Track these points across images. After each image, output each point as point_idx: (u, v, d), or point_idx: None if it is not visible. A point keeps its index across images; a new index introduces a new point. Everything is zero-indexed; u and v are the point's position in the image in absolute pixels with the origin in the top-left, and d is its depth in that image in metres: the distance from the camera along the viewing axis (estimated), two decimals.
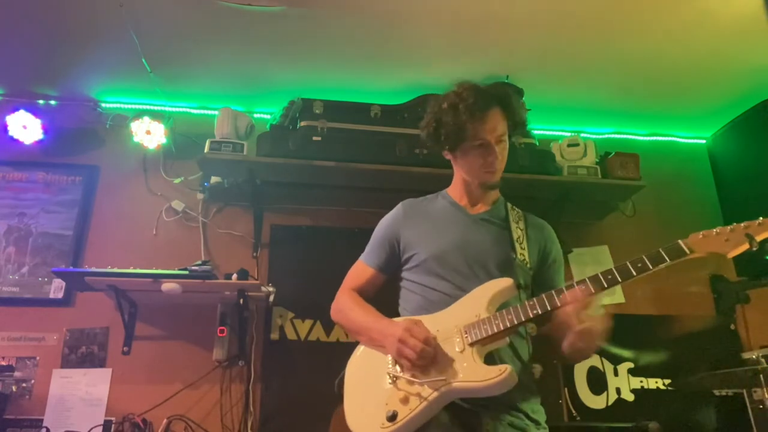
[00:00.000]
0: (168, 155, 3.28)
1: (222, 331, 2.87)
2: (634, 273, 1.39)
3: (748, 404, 2.99)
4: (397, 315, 1.69)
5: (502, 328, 1.45)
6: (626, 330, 3.26)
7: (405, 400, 1.44)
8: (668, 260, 1.37)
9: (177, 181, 3.26)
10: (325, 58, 3.01)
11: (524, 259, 1.63)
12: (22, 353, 2.86)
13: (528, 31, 2.83)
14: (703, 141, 3.84)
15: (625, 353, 3.21)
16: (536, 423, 1.53)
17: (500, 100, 1.65)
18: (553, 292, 1.46)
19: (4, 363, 2.83)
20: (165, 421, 2.72)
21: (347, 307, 1.72)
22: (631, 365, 3.21)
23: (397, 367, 1.50)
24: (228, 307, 2.92)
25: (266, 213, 3.21)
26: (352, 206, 3.28)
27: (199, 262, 2.74)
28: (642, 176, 3.14)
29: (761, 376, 2.51)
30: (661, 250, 1.37)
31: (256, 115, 3.36)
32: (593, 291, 1.43)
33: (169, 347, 2.93)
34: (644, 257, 1.37)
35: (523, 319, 1.45)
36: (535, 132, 3.26)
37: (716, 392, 3.13)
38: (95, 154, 3.29)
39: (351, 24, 2.76)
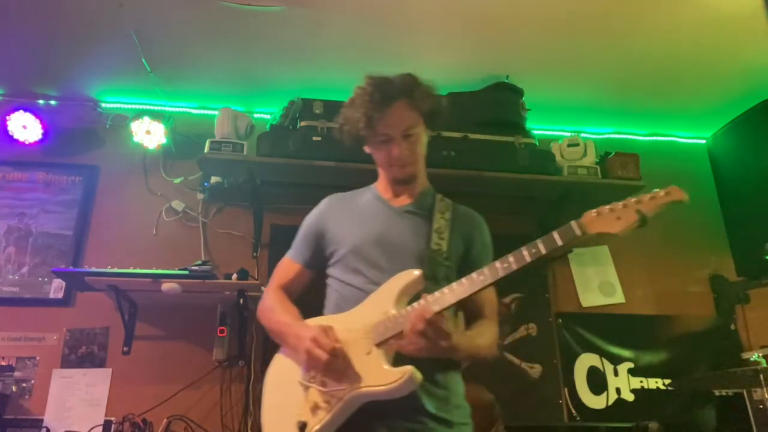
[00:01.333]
0: (168, 155, 3.28)
1: (222, 331, 2.87)
2: (528, 258, 1.30)
3: (748, 404, 2.99)
4: (321, 314, 1.64)
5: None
6: (626, 330, 3.27)
7: (314, 410, 1.41)
8: (560, 242, 1.27)
9: (177, 181, 3.26)
10: (325, 58, 3.01)
11: (439, 249, 1.54)
12: (22, 353, 2.86)
13: (528, 31, 2.83)
14: (703, 141, 3.84)
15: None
16: (447, 423, 1.45)
17: (405, 92, 1.58)
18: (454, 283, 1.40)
19: (4, 363, 2.83)
20: (165, 421, 2.72)
21: (270, 307, 1.66)
22: (631, 365, 3.21)
23: (310, 374, 1.46)
24: (228, 307, 2.92)
25: (266, 213, 3.21)
26: None
27: (199, 262, 2.74)
28: (642, 176, 3.15)
29: (761, 376, 2.51)
30: (554, 233, 1.29)
31: (256, 115, 3.35)
32: (490, 280, 1.35)
33: (169, 347, 2.93)
34: (538, 241, 1.30)
35: None
36: (535, 132, 3.26)
37: (716, 392, 3.13)
38: (95, 154, 3.29)
39: (351, 24, 2.76)
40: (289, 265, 1.72)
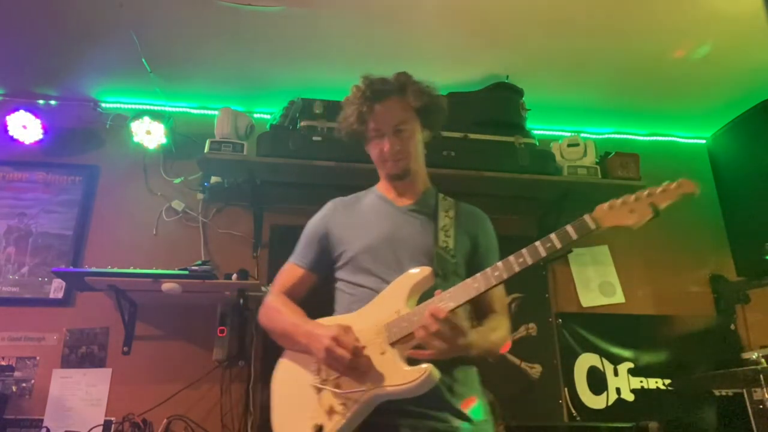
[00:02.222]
0: (168, 155, 3.28)
1: (222, 331, 2.87)
2: (543, 253, 1.30)
3: (748, 404, 2.99)
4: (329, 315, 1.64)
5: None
6: (626, 330, 3.27)
7: (330, 412, 1.40)
8: (575, 236, 1.28)
9: (177, 181, 3.26)
10: (325, 58, 3.01)
11: (447, 247, 1.56)
12: (22, 353, 2.86)
13: (528, 31, 2.83)
14: (703, 141, 3.84)
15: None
16: (468, 419, 1.45)
17: (398, 89, 1.62)
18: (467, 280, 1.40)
19: (4, 363, 2.83)
20: (165, 421, 2.72)
21: (274, 309, 1.64)
22: (631, 365, 3.21)
23: (323, 375, 1.46)
24: (228, 307, 2.92)
25: (266, 213, 3.21)
26: None
27: (199, 262, 2.74)
28: (642, 176, 3.15)
29: (761, 376, 2.51)
30: (568, 227, 1.29)
31: (256, 115, 3.35)
32: (505, 277, 1.35)
33: (169, 347, 2.93)
34: (552, 236, 1.30)
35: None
36: (535, 132, 3.26)
37: (716, 392, 3.13)
38: (95, 154, 3.29)
39: (351, 24, 2.76)
40: (292, 270, 1.72)
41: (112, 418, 2.74)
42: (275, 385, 1.59)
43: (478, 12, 2.68)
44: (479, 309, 1.61)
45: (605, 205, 1.28)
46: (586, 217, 1.29)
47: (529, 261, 1.33)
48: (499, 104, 3.12)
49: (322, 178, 3.00)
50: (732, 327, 3.36)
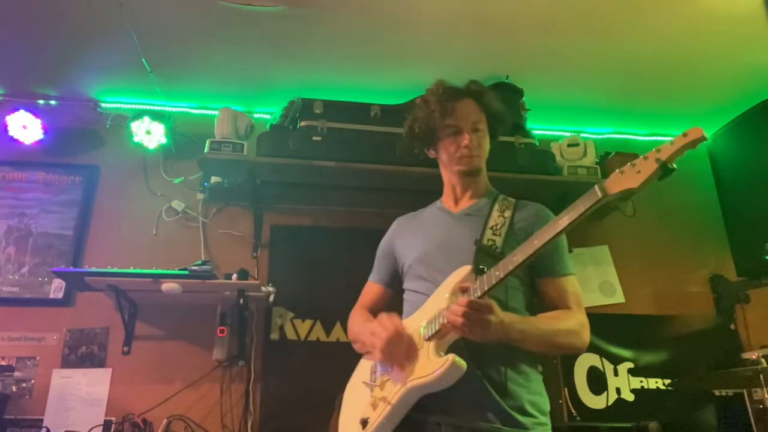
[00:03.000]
0: (168, 155, 3.28)
1: (222, 331, 2.87)
2: (560, 227, 1.27)
3: (748, 404, 2.99)
4: None
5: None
6: (626, 330, 3.26)
7: (374, 406, 1.49)
8: (583, 209, 1.22)
9: (177, 181, 3.26)
10: (325, 58, 3.01)
11: (493, 245, 1.55)
12: (22, 353, 2.86)
13: (528, 31, 2.83)
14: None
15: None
16: (519, 424, 1.41)
17: (473, 93, 1.71)
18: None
19: (4, 363, 2.83)
20: (165, 421, 2.72)
21: (353, 322, 1.80)
22: (631, 365, 3.21)
23: (376, 374, 1.56)
24: (228, 307, 2.92)
25: (266, 213, 3.21)
26: (352, 206, 3.28)
27: (199, 262, 2.74)
28: None
29: (761, 376, 2.51)
30: (579, 201, 1.25)
31: (256, 115, 3.35)
32: (521, 260, 1.32)
33: (169, 347, 2.93)
34: (563, 214, 1.26)
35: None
36: (535, 132, 3.26)
37: (716, 392, 3.13)
38: (95, 154, 3.29)
39: (351, 24, 2.76)
40: (369, 287, 1.86)
41: (112, 418, 2.74)
42: (348, 386, 1.72)
43: (478, 12, 2.68)
44: (547, 304, 1.59)
45: (618, 171, 1.23)
46: (596, 187, 1.24)
47: (545, 239, 1.29)
48: None
49: (322, 178, 3.00)
50: (732, 327, 3.35)
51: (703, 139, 1.15)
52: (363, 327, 1.64)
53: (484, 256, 1.53)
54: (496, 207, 1.68)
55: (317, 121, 2.94)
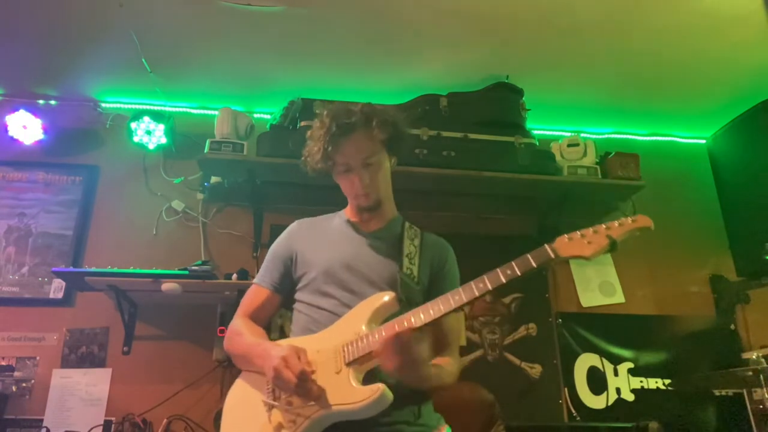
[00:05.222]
0: (168, 155, 3.28)
1: (222, 331, 2.86)
2: (503, 279, 1.31)
3: (748, 404, 3.00)
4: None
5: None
6: (626, 330, 3.27)
7: (278, 429, 1.39)
8: (534, 264, 1.30)
9: (177, 181, 3.26)
10: (325, 58, 3.01)
11: (411, 274, 1.57)
12: (22, 353, 2.86)
13: (528, 31, 2.83)
14: (703, 141, 3.84)
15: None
16: (425, 426, 1.47)
17: (362, 123, 1.59)
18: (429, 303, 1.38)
19: (4, 363, 2.83)
20: (165, 421, 2.72)
21: (236, 332, 1.64)
22: (631, 365, 3.21)
23: (276, 392, 1.45)
24: (228, 307, 2.91)
25: (266, 213, 3.21)
26: None
27: (199, 262, 2.74)
28: (642, 176, 3.15)
29: (761, 376, 2.51)
30: (528, 255, 1.31)
31: (256, 115, 3.35)
32: (465, 300, 1.34)
33: (169, 347, 2.93)
34: (513, 263, 1.31)
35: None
36: (535, 132, 3.26)
37: (716, 392, 3.13)
38: (95, 154, 3.29)
39: (351, 24, 2.76)
40: (257, 292, 1.72)
41: (112, 418, 2.74)
42: (228, 402, 1.60)
43: (478, 12, 2.68)
44: (434, 341, 1.57)
45: (566, 237, 1.31)
46: (546, 247, 1.31)
47: (489, 286, 1.32)
48: (499, 104, 3.12)
49: (322, 178, 2.97)
50: (732, 327, 3.36)
51: (649, 228, 1.28)
52: (253, 348, 1.53)
53: (405, 286, 1.53)
54: (406, 234, 1.67)
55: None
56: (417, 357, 1.32)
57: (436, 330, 1.52)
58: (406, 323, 1.35)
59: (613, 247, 1.27)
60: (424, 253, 1.64)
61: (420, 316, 1.36)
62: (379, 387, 1.31)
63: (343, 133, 1.58)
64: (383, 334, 1.35)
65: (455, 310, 1.36)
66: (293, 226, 1.77)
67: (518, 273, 1.30)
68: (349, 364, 1.38)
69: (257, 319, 1.69)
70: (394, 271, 1.56)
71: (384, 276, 1.56)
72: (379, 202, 1.66)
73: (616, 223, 1.29)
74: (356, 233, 1.68)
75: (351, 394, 1.34)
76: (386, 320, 1.43)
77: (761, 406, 2.84)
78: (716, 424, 3.08)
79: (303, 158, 1.71)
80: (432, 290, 1.59)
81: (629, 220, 1.29)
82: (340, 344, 1.42)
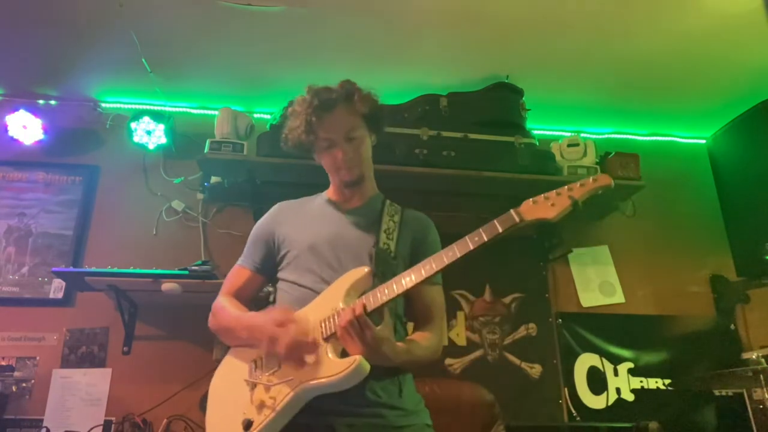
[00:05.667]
0: (168, 155, 3.28)
1: None
2: (471, 246, 1.33)
3: (748, 404, 3.00)
4: None
5: None
6: (626, 330, 3.27)
7: (260, 407, 1.42)
8: (500, 229, 1.33)
9: (177, 181, 3.26)
10: (326, 58, 3.01)
11: (388, 249, 1.58)
12: (22, 353, 2.86)
13: (528, 31, 2.83)
14: (703, 141, 3.84)
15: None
16: (402, 410, 1.48)
17: (344, 97, 1.63)
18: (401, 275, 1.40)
19: (4, 363, 2.83)
20: (165, 421, 2.72)
21: (219, 308, 1.69)
22: (631, 365, 3.21)
23: (258, 371, 1.48)
24: None
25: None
26: None
27: (199, 262, 2.74)
28: (642, 176, 3.14)
29: (761, 376, 2.51)
30: (495, 221, 1.35)
31: (256, 115, 3.35)
32: (435, 268, 1.36)
33: (169, 347, 2.93)
34: (480, 229, 1.34)
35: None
36: (535, 132, 3.26)
37: (716, 392, 3.13)
38: (95, 154, 3.29)
39: (351, 24, 2.76)
40: (238, 272, 1.76)
41: (112, 418, 2.74)
42: (213, 381, 1.65)
43: (478, 12, 2.68)
44: (416, 312, 1.62)
45: (530, 200, 1.35)
46: (512, 212, 1.35)
47: (458, 254, 1.34)
48: (499, 104, 3.12)
49: (322, 178, 2.98)
50: (732, 327, 3.36)
51: (609, 186, 1.31)
52: (238, 320, 1.58)
53: (380, 260, 1.55)
54: (386, 211, 1.69)
55: None
56: (372, 338, 1.33)
57: (416, 303, 1.58)
58: (365, 304, 1.37)
59: (575, 207, 1.30)
60: (404, 229, 1.66)
61: (384, 292, 1.39)
62: (356, 359, 1.33)
63: (325, 108, 1.61)
64: (342, 312, 1.37)
65: (426, 281, 1.38)
66: (274, 208, 1.81)
67: (485, 239, 1.34)
68: (326, 339, 1.41)
69: (239, 298, 1.73)
70: (372, 246, 1.58)
71: (363, 251, 1.58)
72: (362, 177, 1.68)
73: (577, 184, 1.32)
74: (336, 211, 1.71)
75: (329, 367, 1.36)
76: (363, 294, 1.45)
77: (761, 406, 2.85)
78: (716, 424, 3.08)
79: (284, 135, 1.72)
80: (413, 265, 1.58)
81: (590, 179, 1.32)
82: (318, 320, 1.44)
